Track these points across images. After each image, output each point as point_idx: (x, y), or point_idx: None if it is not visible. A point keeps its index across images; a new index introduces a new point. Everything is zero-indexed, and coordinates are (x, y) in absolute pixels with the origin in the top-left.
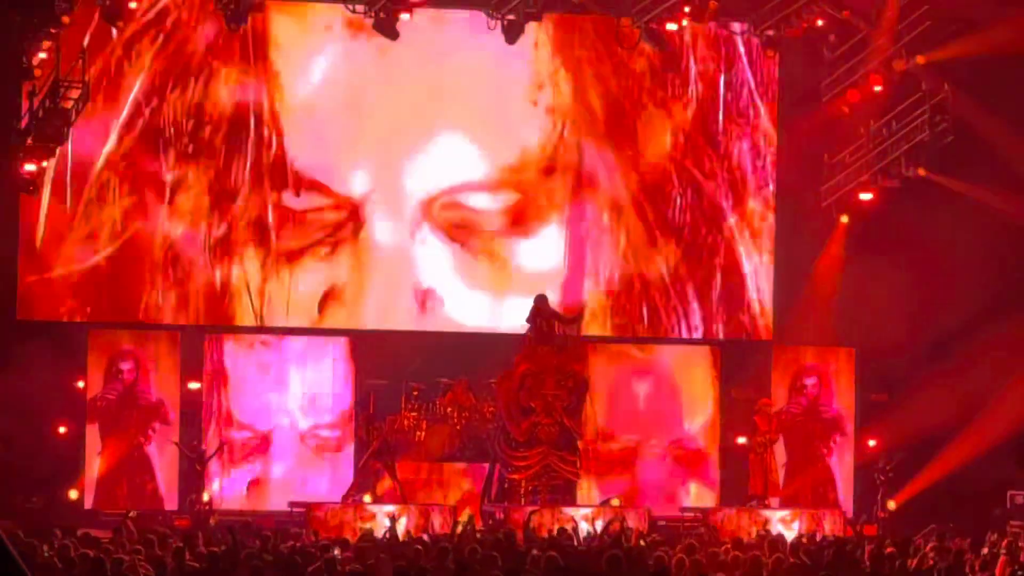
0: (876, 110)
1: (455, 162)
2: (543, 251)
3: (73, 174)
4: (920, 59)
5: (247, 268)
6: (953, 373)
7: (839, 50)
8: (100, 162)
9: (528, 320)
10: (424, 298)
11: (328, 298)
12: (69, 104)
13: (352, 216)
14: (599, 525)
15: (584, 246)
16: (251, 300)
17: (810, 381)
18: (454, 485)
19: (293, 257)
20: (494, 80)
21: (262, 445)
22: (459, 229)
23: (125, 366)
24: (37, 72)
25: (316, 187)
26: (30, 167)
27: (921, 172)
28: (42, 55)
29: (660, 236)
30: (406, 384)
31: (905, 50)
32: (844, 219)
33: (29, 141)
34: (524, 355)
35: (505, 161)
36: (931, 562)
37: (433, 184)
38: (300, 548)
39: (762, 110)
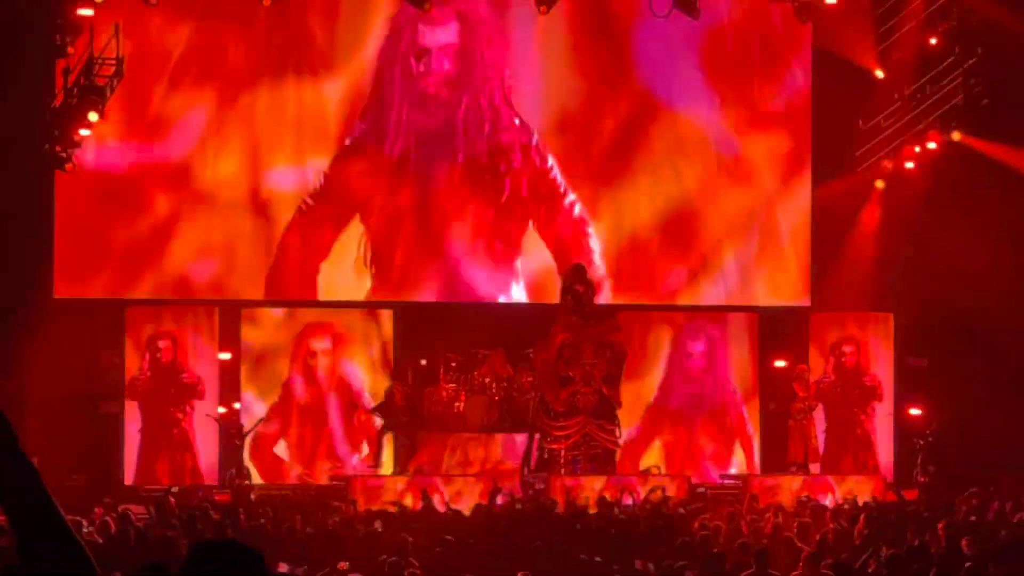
0: (910, 75)
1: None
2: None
3: (111, 151)
4: (954, 22)
5: (291, 240)
6: (992, 336)
7: (872, 15)
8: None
9: (563, 290)
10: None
11: (374, 269)
12: (104, 81)
13: (388, 182)
14: (640, 494)
15: (621, 211)
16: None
17: (848, 347)
18: (491, 456)
19: (334, 226)
20: (532, 48)
21: (288, 423)
22: (494, 197)
23: (163, 343)
24: (71, 50)
25: (354, 150)
26: (65, 144)
27: (956, 136)
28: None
29: (697, 200)
30: (443, 356)
31: (939, 14)
32: (880, 184)
33: (63, 118)
34: (561, 325)
35: (541, 126)
36: (972, 525)
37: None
38: (342, 521)
39: (797, 76)
